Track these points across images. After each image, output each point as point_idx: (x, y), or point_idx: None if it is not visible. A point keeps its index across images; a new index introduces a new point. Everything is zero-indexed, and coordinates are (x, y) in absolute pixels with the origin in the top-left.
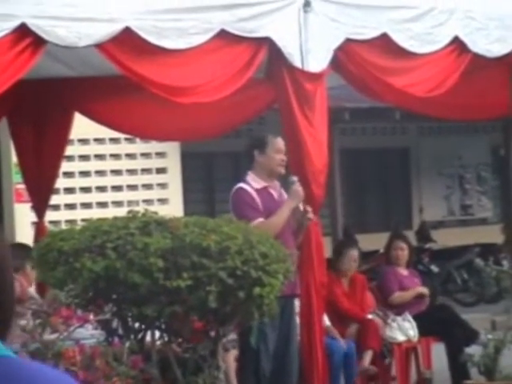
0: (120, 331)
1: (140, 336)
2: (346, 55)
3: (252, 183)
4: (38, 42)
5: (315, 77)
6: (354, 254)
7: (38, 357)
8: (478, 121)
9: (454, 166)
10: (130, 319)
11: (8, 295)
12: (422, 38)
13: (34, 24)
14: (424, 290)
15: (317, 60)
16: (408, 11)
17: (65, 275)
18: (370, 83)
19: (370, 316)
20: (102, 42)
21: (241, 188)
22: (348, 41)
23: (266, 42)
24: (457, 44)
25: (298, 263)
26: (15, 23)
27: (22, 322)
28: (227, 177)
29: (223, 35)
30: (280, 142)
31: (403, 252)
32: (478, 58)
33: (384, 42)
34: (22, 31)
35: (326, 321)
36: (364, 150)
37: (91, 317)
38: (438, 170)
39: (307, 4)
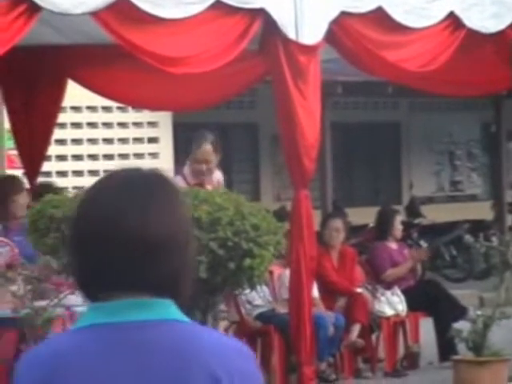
0: None
1: None
2: (341, 28)
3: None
4: (32, 8)
5: (309, 49)
6: (335, 224)
7: (27, 322)
8: (470, 97)
9: (444, 142)
10: None
11: (189, 267)
12: (417, 12)
13: None
14: (415, 259)
15: (311, 33)
16: None
17: (56, 242)
18: (363, 57)
19: (358, 290)
20: (97, 10)
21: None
22: (343, 14)
23: (261, 13)
24: (452, 19)
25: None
26: None
27: (13, 288)
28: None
29: (218, 5)
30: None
31: (396, 229)
32: (473, 34)
33: (379, 16)
34: None
35: (315, 292)
36: (355, 124)
37: None
38: (429, 145)
39: None
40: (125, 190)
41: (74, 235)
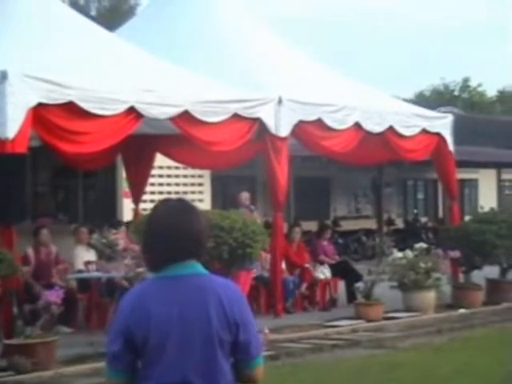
0: None
1: None
2: (299, 129)
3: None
4: (138, 115)
5: (283, 139)
6: (297, 230)
7: (133, 279)
8: (366, 165)
9: (353, 188)
10: None
11: (206, 246)
12: (335, 120)
13: (139, 107)
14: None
15: (284, 130)
16: (332, 107)
17: None
18: (311, 144)
19: (306, 265)
20: (172, 116)
21: None
22: (300, 122)
23: (258, 120)
24: (357, 125)
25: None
26: (127, 106)
27: (126, 261)
28: (234, 190)
29: (235, 116)
30: None
31: (327, 233)
32: (367, 133)
33: (320, 123)
34: (130, 110)
35: (283, 266)
36: (306, 177)
37: None
38: (345, 189)
39: (280, 102)
40: (176, 208)
41: (148, 232)
